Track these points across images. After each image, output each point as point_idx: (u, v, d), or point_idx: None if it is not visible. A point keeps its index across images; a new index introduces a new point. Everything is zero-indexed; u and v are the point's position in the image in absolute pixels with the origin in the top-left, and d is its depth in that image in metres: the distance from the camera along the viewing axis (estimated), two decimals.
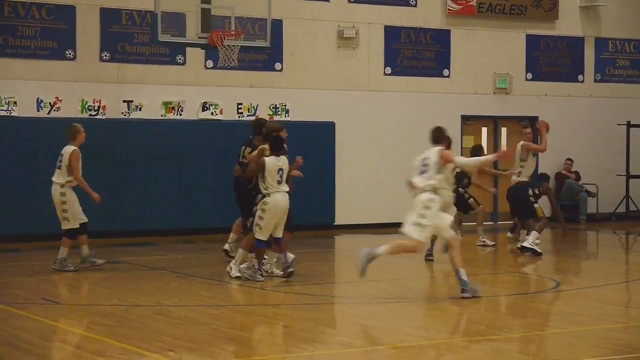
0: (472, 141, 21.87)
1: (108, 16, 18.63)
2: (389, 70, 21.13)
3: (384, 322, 10.49)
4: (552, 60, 22.93)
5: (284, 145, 13.21)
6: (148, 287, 12.67)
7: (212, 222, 18.73)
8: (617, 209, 23.01)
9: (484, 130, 22.53)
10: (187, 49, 18.67)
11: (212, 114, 19.38)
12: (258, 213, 12.72)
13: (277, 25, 19.19)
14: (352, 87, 20.72)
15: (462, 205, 16.55)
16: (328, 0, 20.54)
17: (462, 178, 16.41)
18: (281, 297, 12.15)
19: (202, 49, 17.74)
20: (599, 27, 23.46)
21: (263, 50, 18.38)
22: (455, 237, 11.67)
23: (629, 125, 22.94)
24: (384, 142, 20.85)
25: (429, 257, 15.06)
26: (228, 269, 13.17)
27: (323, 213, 20.13)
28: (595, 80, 23.49)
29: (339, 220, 20.38)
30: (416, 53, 21.44)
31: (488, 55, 22.14)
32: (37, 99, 18.01)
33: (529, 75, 22.67)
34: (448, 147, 12.42)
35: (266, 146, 12.95)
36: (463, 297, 11.45)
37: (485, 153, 18.33)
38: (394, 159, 20.43)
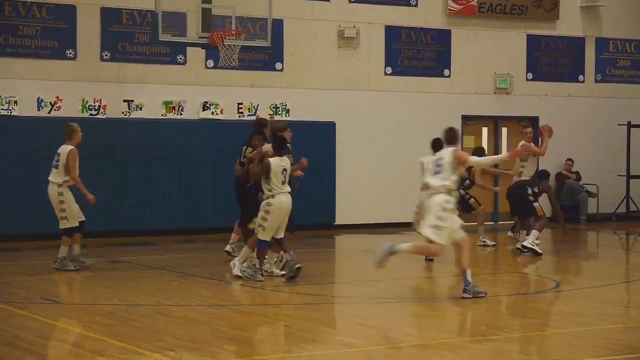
0: (472, 141, 21.88)
1: (109, 16, 18.63)
2: (389, 70, 21.13)
3: (384, 322, 10.49)
4: (552, 61, 22.93)
5: (288, 145, 13.20)
6: (148, 286, 12.67)
7: (212, 222, 18.75)
8: (617, 209, 23.00)
9: (485, 130, 22.53)
10: (188, 48, 18.67)
11: (212, 113, 19.37)
12: (261, 214, 12.69)
13: (278, 25, 19.19)
14: (352, 87, 20.72)
15: (464, 206, 16.55)
16: (329, 0, 20.55)
17: (463, 179, 16.41)
18: (281, 296, 12.15)
19: (202, 48, 17.76)
20: (599, 27, 23.46)
21: (264, 50, 18.38)
22: (466, 238, 11.67)
23: (629, 125, 22.94)
24: (384, 142, 20.86)
25: (429, 257, 15.05)
26: (232, 264, 13.22)
27: (323, 213, 20.13)
28: (596, 81, 23.49)
29: (339, 220, 20.38)
30: (417, 53, 21.43)
31: (489, 55, 22.14)
32: (38, 99, 18.01)
33: (530, 75, 22.66)
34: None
35: (269, 146, 12.93)
36: (463, 297, 11.46)
37: (487, 154, 18.32)
38: (395, 159, 20.44)
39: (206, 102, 19.31)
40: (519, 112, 22.14)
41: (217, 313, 10.85)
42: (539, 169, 18.40)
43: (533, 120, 20.67)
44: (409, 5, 21.32)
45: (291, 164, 13.13)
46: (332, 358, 8.83)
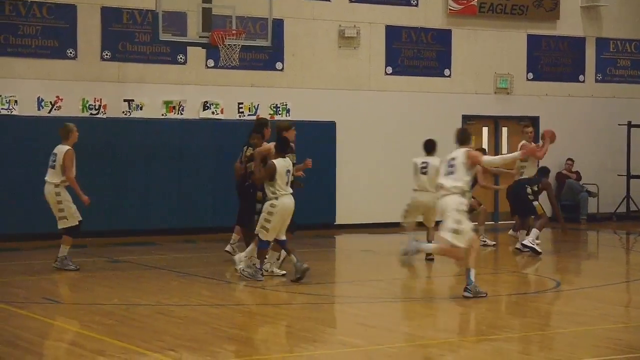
0: (472, 141, 21.84)
1: (109, 15, 18.62)
2: (390, 70, 21.13)
3: (384, 322, 10.49)
4: (553, 60, 22.93)
5: (292, 144, 13.19)
6: (148, 286, 12.66)
7: (212, 222, 18.75)
8: (617, 209, 23.00)
9: (485, 130, 22.53)
10: (188, 48, 18.67)
11: (213, 113, 19.37)
12: (264, 215, 12.63)
13: (278, 24, 19.18)
14: (353, 87, 20.72)
15: None
16: (329, 0, 20.55)
17: None
18: (282, 296, 12.15)
19: (203, 48, 17.77)
20: (600, 27, 23.46)
21: (264, 49, 18.39)
22: (476, 239, 11.67)
23: (629, 125, 22.93)
24: (384, 142, 20.85)
25: (429, 257, 15.05)
26: (237, 258, 13.17)
27: (324, 213, 20.11)
28: (596, 81, 23.48)
29: (340, 219, 20.37)
30: (417, 53, 21.43)
31: (489, 55, 22.14)
32: (38, 98, 18.01)
33: (530, 75, 22.66)
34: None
35: (271, 146, 12.91)
36: (464, 296, 11.45)
37: (486, 154, 18.30)
38: (395, 159, 20.43)
39: (206, 102, 19.31)
40: (519, 112, 22.13)
41: (217, 313, 10.85)
42: (540, 166, 18.40)
43: (533, 120, 20.66)
44: (410, 5, 21.31)
45: (295, 163, 13.13)
46: (333, 358, 8.83)
